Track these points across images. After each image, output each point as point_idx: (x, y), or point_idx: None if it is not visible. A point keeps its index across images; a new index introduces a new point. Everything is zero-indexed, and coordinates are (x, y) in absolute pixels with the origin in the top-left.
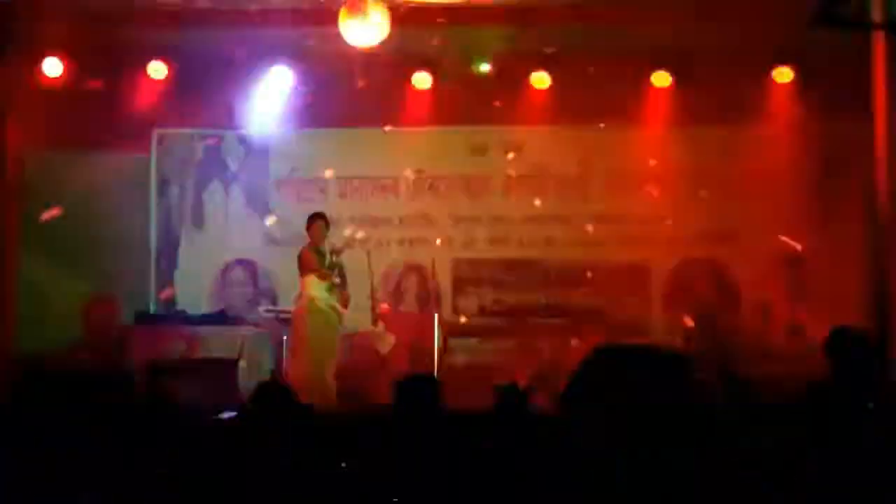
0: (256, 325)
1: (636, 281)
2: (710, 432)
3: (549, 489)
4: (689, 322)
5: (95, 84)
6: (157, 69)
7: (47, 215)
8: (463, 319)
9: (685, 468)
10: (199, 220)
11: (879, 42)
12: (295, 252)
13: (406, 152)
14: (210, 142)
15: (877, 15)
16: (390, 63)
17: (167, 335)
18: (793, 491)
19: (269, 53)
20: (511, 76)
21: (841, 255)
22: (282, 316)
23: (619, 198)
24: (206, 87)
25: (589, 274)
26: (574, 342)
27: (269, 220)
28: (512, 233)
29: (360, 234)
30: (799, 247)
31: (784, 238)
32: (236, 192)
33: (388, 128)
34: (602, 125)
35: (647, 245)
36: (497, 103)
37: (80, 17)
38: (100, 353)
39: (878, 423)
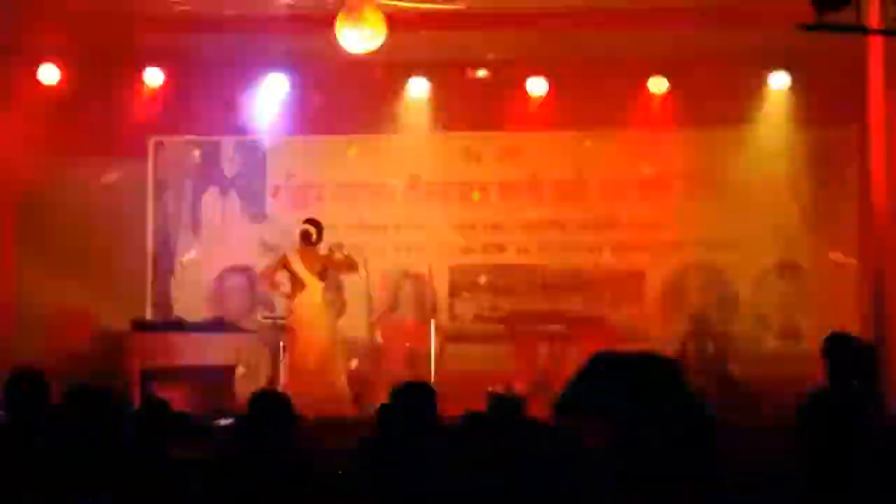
0: (254, 331)
1: (633, 287)
2: (707, 438)
3: (546, 495)
4: (686, 328)
5: (92, 90)
6: (154, 75)
7: None
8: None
9: (683, 473)
10: (195, 227)
11: (876, 47)
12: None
13: (402, 158)
14: (206, 148)
15: (873, 19)
16: (386, 69)
17: (164, 342)
18: (789, 496)
19: (266, 60)
20: (507, 82)
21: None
22: (279, 322)
23: (615, 204)
24: (202, 94)
25: (586, 279)
26: (571, 349)
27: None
28: (509, 239)
29: (356, 241)
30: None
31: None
32: (233, 198)
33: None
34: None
35: (644, 251)
36: (493, 109)
37: (76, 23)
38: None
39: (874, 428)
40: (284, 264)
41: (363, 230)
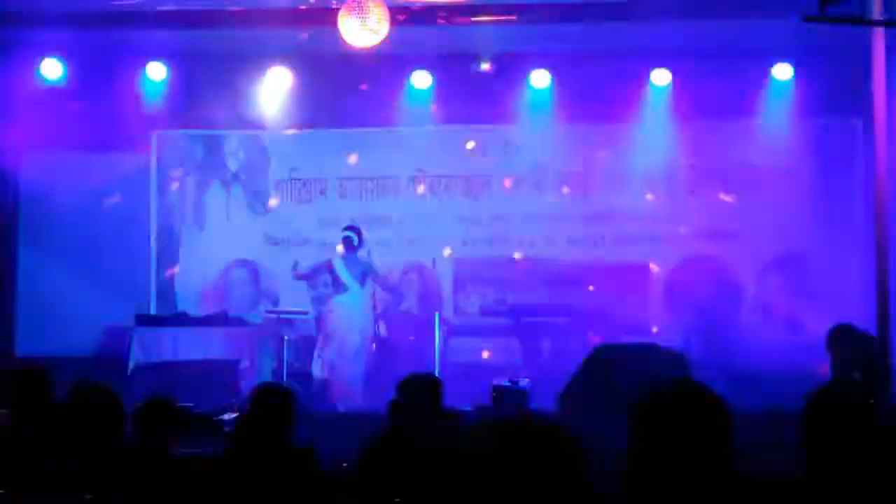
0: (258, 325)
1: (637, 279)
2: (711, 432)
3: (549, 488)
4: (690, 320)
5: (95, 85)
6: (157, 70)
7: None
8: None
9: (686, 467)
10: (199, 221)
11: (878, 39)
12: (295, 252)
13: (406, 152)
14: (210, 142)
15: (875, 11)
16: (390, 63)
17: (167, 336)
18: (795, 488)
19: (269, 53)
20: (511, 75)
21: (841, 252)
22: (283, 316)
23: (619, 196)
24: (205, 88)
25: (589, 272)
26: (575, 341)
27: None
28: (512, 232)
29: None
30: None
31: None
32: (236, 192)
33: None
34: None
35: (648, 243)
36: (497, 102)
37: (78, 19)
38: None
39: (879, 420)
40: (329, 268)
41: (367, 224)
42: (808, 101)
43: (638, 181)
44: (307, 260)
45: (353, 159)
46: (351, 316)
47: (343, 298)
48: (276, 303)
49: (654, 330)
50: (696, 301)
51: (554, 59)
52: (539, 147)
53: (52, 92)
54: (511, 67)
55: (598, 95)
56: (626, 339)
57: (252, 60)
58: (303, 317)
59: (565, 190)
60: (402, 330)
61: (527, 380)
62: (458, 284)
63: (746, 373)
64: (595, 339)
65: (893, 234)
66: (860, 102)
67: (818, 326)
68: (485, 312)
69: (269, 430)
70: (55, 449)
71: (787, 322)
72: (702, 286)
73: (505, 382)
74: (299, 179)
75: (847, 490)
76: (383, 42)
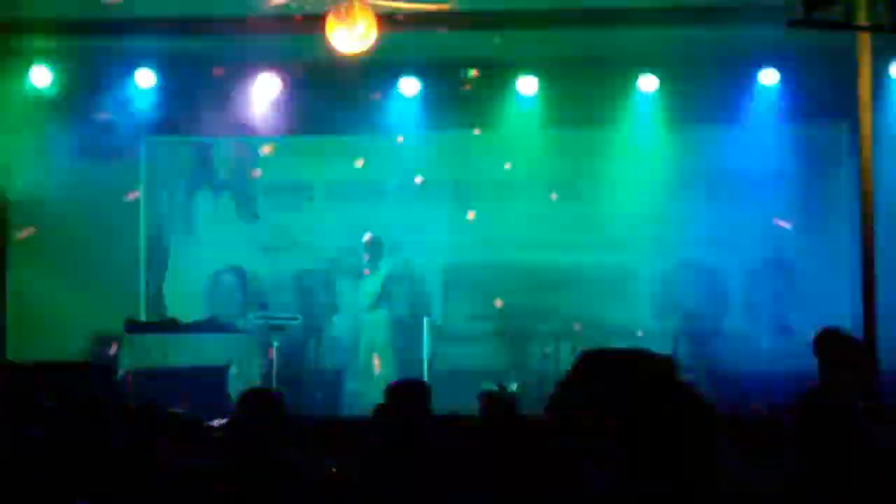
0: (247, 331)
1: (625, 285)
2: (701, 438)
3: (536, 493)
4: (678, 325)
5: (84, 92)
6: (146, 76)
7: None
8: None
9: (674, 473)
10: (188, 228)
11: (864, 43)
12: (284, 257)
13: (394, 158)
14: (199, 148)
15: (861, 16)
16: (378, 69)
17: (157, 342)
18: (785, 493)
19: (257, 60)
20: (498, 81)
21: (828, 256)
22: (272, 322)
23: (607, 201)
24: (194, 95)
25: (578, 277)
26: (563, 347)
27: (258, 227)
28: (501, 237)
29: (348, 241)
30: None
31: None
32: (225, 198)
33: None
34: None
35: (636, 249)
36: (484, 108)
37: (67, 26)
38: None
39: (866, 423)
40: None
41: (355, 230)
42: (795, 106)
43: (625, 186)
44: (304, 265)
45: (341, 165)
46: (377, 327)
47: (368, 310)
48: (264, 309)
49: (641, 334)
50: (684, 306)
51: (542, 64)
52: (527, 153)
53: (42, 98)
54: (498, 73)
55: (585, 101)
56: (615, 344)
57: (241, 66)
58: (292, 322)
59: (553, 195)
60: (390, 335)
61: (515, 385)
62: (447, 290)
63: (734, 378)
64: (583, 345)
65: (879, 238)
66: (846, 107)
67: (805, 331)
68: (473, 318)
69: (257, 435)
70: (44, 455)
71: (775, 327)
72: (690, 291)
73: (493, 387)
74: (288, 185)
75: (834, 489)
76: (371, 48)
